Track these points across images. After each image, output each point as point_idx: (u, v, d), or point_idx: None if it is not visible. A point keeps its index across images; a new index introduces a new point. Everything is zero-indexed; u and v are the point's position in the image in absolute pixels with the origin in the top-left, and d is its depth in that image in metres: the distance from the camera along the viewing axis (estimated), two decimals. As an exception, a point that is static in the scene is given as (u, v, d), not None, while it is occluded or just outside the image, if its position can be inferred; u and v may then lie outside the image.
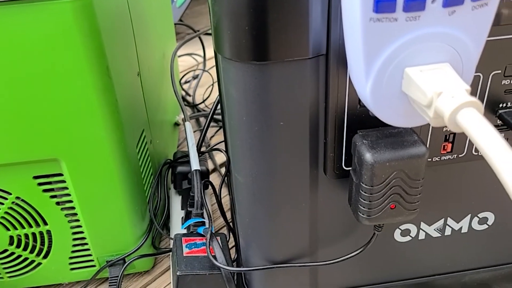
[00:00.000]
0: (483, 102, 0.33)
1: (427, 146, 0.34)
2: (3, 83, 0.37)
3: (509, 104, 0.33)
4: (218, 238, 0.44)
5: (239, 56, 0.30)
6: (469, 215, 0.40)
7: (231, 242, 0.53)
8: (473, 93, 0.32)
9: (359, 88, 0.27)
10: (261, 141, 0.33)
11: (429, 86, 0.24)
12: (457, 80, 0.24)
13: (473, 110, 0.22)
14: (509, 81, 0.32)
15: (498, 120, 0.34)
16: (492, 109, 0.34)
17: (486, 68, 0.32)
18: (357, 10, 0.23)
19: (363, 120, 0.32)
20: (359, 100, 0.31)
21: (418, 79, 0.24)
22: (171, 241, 0.53)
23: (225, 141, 0.54)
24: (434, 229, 0.40)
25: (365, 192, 0.31)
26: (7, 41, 0.35)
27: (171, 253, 0.47)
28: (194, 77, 0.96)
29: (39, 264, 0.48)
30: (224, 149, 0.53)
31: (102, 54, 0.38)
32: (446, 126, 0.33)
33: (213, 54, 1.04)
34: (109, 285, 0.48)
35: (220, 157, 0.72)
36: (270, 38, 0.28)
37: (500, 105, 0.33)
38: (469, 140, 0.35)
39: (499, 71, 0.32)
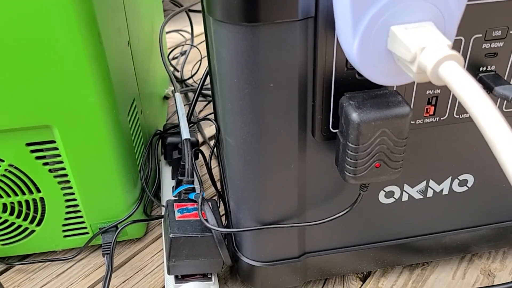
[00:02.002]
0: (464, 66, 0.34)
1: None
2: (-5, 48, 0.37)
3: (489, 68, 0.35)
4: (209, 203, 0.45)
5: (230, 17, 0.30)
6: (450, 177, 0.41)
7: (222, 211, 0.54)
8: (455, 56, 0.34)
9: (346, 48, 0.28)
10: (251, 103, 0.34)
11: (413, 42, 0.25)
12: (439, 36, 0.25)
13: (454, 63, 0.23)
14: (489, 44, 0.34)
15: (479, 83, 0.35)
16: (473, 73, 0.35)
17: (468, 32, 0.33)
18: (345, -31, 0.24)
19: (350, 83, 0.33)
20: (346, 63, 0.32)
21: (403, 36, 0.25)
22: (162, 209, 0.55)
23: (215, 111, 0.55)
24: (417, 191, 0.42)
25: (351, 151, 0.32)
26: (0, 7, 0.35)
27: (163, 218, 0.48)
28: (182, 53, 0.96)
29: (33, 231, 0.49)
30: (214, 119, 0.54)
31: (94, 20, 0.39)
32: (428, 86, 0.35)
33: (201, 30, 1.04)
34: (102, 251, 0.49)
35: (208, 130, 0.73)
36: (261, -1, 0.29)
37: (481, 69, 0.35)
38: (451, 103, 0.36)
39: (480, 35, 0.33)
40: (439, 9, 0.26)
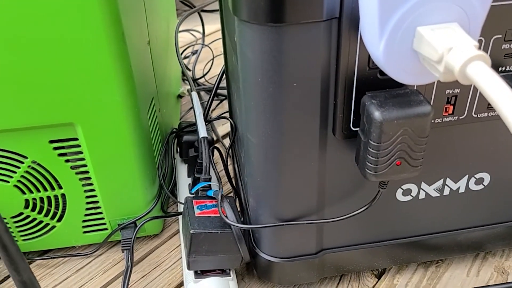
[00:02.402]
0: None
1: (431, 107, 0.36)
2: (24, 49, 0.38)
3: (508, 68, 0.35)
4: (228, 200, 0.46)
5: (256, 18, 0.31)
6: (467, 175, 0.42)
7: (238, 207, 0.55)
8: (475, 56, 0.34)
9: (371, 48, 0.29)
10: (274, 102, 0.35)
11: (439, 42, 0.25)
12: (465, 37, 0.26)
13: (481, 63, 0.24)
14: (509, 45, 0.34)
15: (497, 83, 0.36)
16: (492, 73, 0.36)
17: (488, 32, 0.34)
18: (374, -29, 0.25)
19: (372, 82, 0.34)
20: (369, 62, 0.33)
21: (430, 36, 0.26)
22: (179, 206, 0.55)
23: (230, 109, 0.56)
24: (434, 189, 0.42)
25: (373, 149, 0.33)
26: (27, 7, 0.36)
27: (181, 216, 0.49)
28: (193, 53, 0.97)
29: (53, 227, 0.50)
30: (229, 117, 0.55)
31: (118, 20, 0.40)
32: (447, 86, 0.35)
33: (211, 30, 1.05)
34: (122, 247, 0.49)
35: (221, 129, 0.74)
36: (286, 0, 0.30)
37: (500, 69, 0.35)
38: (470, 103, 0.37)
39: (500, 36, 0.34)
40: (464, 10, 0.27)
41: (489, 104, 0.36)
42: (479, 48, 0.34)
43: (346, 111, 0.35)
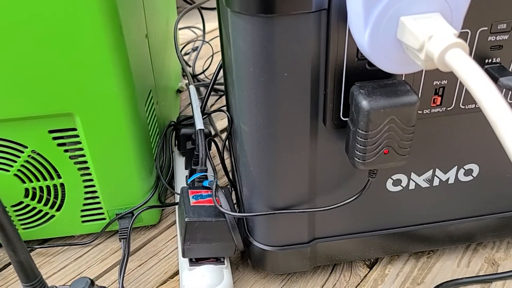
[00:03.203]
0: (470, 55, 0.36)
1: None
2: (22, 40, 0.39)
3: (494, 60, 0.36)
4: (223, 190, 0.47)
5: (248, 9, 0.32)
6: (456, 166, 0.43)
7: (233, 200, 0.56)
8: (461, 48, 0.35)
9: (358, 38, 0.30)
10: (266, 91, 0.36)
11: (421, 31, 0.26)
12: (446, 26, 0.26)
13: (459, 50, 0.25)
14: (494, 37, 0.35)
15: (484, 75, 0.37)
16: (479, 64, 0.36)
17: (474, 24, 0.34)
18: (358, -38, 0.26)
19: (361, 72, 0.35)
20: (357, 53, 0.34)
21: (412, 26, 0.27)
22: (176, 197, 0.56)
23: (227, 103, 0.57)
24: (423, 180, 0.43)
25: (361, 138, 0.34)
26: (28, 0, 0.37)
27: (177, 205, 0.50)
28: (194, 49, 0.98)
29: (52, 216, 0.51)
30: (227, 110, 0.56)
31: (116, 13, 0.41)
32: (435, 77, 0.36)
33: (212, 27, 1.06)
34: (119, 236, 0.51)
35: (220, 124, 0.75)
36: (277, -8, 0.31)
37: (486, 61, 0.36)
38: (457, 94, 0.38)
39: (486, 28, 0.35)
40: (446, 1, 0.28)
41: (476, 95, 0.37)
42: (465, 40, 0.35)
43: (336, 101, 0.36)
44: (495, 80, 0.36)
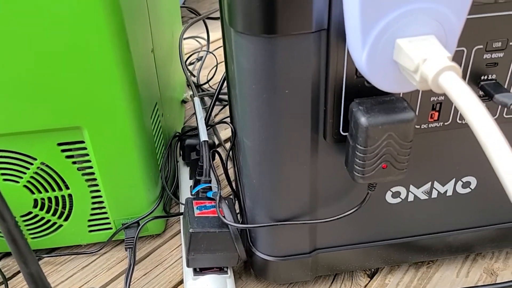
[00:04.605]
0: (466, 75, 0.37)
1: (416, 114, 0.38)
2: (34, 56, 0.41)
3: (489, 77, 0.37)
4: (226, 201, 0.48)
5: (251, 29, 0.33)
6: (454, 179, 0.44)
7: (237, 209, 0.57)
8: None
9: (356, 58, 0.31)
10: (268, 107, 0.37)
11: (416, 54, 0.27)
12: (440, 48, 0.28)
13: (452, 74, 0.26)
14: (490, 55, 0.36)
15: (480, 91, 0.38)
16: (475, 81, 0.37)
17: (470, 43, 0.36)
18: (355, -12, 0.27)
19: (359, 90, 0.36)
20: (356, 71, 0.35)
21: (407, 48, 0.28)
22: (181, 207, 0.58)
23: (231, 115, 0.58)
24: (422, 192, 0.44)
25: (360, 153, 0.35)
26: (39, 16, 0.39)
27: (182, 215, 0.52)
28: (198, 59, 0.99)
29: (60, 226, 0.53)
30: (230, 122, 0.57)
31: (123, 30, 0.42)
32: (432, 93, 0.37)
33: (216, 37, 1.08)
34: (125, 245, 0.52)
35: (224, 133, 0.76)
36: (278, 13, 0.32)
37: (482, 77, 0.37)
38: (454, 109, 0.39)
39: (481, 46, 0.36)
40: (441, 24, 0.29)
41: (472, 111, 0.38)
42: (461, 58, 0.36)
43: (336, 116, 0.37)
44: (490, 96, 0.37)
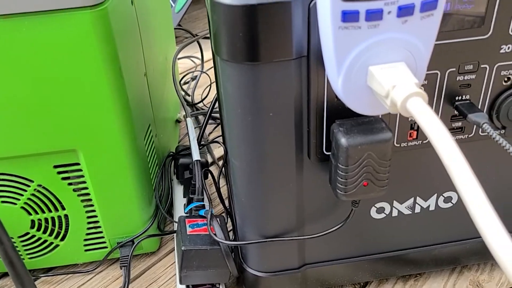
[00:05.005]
0: (441, 95, 0.39)
1: (395, 133, 0.40)
2: (30, 83, 0.42)
3: (463, 97, 0.39)
4: (218, 219, 0.49)
5: (235, 57, 0.35)
6: (435, 194, 0.46)
7: (229, 226, 0.58)
8: (432, 88, 0.38)
9: (333, 83, 0.33)
10: (253, 130, 0.39)
11: (386, 80, 0.29)
12: (409, 75, 0.30)
13: (419, 99, 0.28)
14: (463, 77, 0.38)
15: (455, 111, 0.40)
16: (450, 101, 0.39)
17: (443, 66, 0.38)
18: (328, 20, 0.29)
19: (340, 111, 0.38)
20: (336, 94, 0.37)
21: (379, 75, 0.30)
22: (175, 225, 0.59)
23: (223, 134, 0.60)
24: (405, 207, 0.46)
25: (341, 172, 0.37)
26: (33, 44, 0.41)
27: (175, 233, 0.53)
28: (193, 78, 1.02)
29: (57, 246, 0.54)
30: (222, 142, 0.59)
31: (116, 56, 0.44)
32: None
33: (210, 56, 1.10)
34: (120, 264, 0.53)
35: (217, 152, 0.78)
36: (260, 42, 0.34)
37: (456, 98, 0.39)
38: (432, 128, 0.41)
39: (454, 69, 0.38)
40: (410, 52, 0.31)
41: (450, 129, 0.40)
42: (435, 80, 0.38)
43: (319, 137, 0.39)
44: (464, 116, 0.39)
